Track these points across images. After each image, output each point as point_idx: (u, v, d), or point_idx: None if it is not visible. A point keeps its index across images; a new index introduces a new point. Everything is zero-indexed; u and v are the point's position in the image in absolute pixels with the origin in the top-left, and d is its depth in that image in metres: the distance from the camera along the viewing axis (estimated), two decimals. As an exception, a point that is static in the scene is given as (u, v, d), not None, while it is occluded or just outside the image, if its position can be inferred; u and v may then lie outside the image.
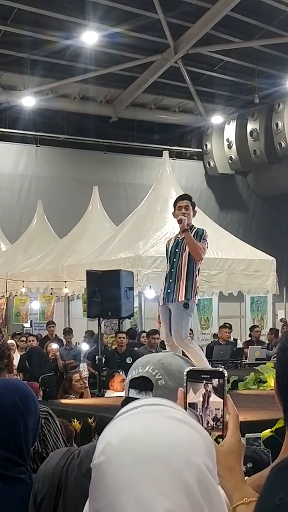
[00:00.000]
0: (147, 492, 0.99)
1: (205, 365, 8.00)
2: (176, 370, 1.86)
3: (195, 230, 7.66)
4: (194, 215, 7.75)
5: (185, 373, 1.51)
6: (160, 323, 8.10)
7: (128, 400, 1.81)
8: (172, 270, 7.84)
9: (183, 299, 7.66)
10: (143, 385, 1.88)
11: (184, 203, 7.71)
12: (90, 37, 16.37)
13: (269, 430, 5.57)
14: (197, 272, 7.74)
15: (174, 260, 7.86)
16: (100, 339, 11.54)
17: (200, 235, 7.63)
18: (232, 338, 15.43)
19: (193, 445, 1.04)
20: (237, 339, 15.62)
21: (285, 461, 0.67)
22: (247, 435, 5.35)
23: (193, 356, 7.75)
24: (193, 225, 7.70)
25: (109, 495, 1.02)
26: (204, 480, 1.01)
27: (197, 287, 7.78)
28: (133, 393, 1.91)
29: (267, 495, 0.65)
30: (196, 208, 15.28)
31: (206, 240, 7.62)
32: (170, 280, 7.80)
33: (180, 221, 7.57)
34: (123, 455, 1.04)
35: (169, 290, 7.76)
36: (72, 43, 16.91)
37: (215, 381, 1.49)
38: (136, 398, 1.86)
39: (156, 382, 1.86)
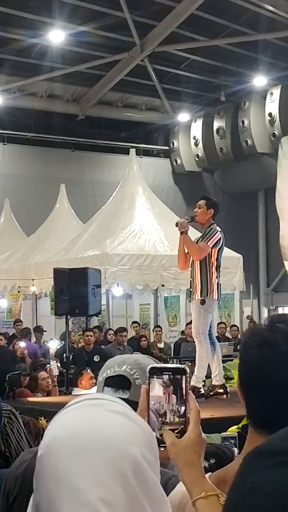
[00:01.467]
0: (83, 482, 1.02)
1: (202, 365, 8.17)
2: None
3: (208, 229, 8.10)
4: (211, 214, 8.18)
5: (147, 369, 1.55)
6: None
7: None
8: (191, 269, 8.20)
9: (199, 297, 7.94)
10: (120, 383, 1.91)
11: (199, 202, 8.27)
12: (56, 35, 16.33)
13: (236, 426, 5.64)
14: (213, 269, 8.03)
15: (192, 259, 8.23)
16: (68, 337, 11.54)
17: (206, 234, 8.04)
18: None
19: (131, 437, 1.07)
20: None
21: (258, 448, 0.71)
22: (223, 434, 5.42)
23: (199, 354, 7.99)
24: (211, 224, 8.16)
25: (48, 486, 1.05)
26: (141, 470, 1.04)
27: (216, 284, 8.06)
28: (109, 391, 1.94)
29: (240, 481, 0.69)
30: (162, 206, 15.50)
31: (210, 239, 7.98)
32: (191, 279, 8.20)
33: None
34: (63, 447, 1.06)
35: (191, 289, 8.19)
36: (39, 41, 16.85)
37: (177, 378, 1.53)
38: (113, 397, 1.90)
39: (134, 381, 1.89)
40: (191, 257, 8.25)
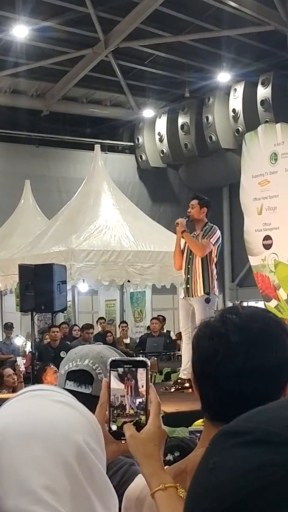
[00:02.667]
0: (25, 470, 1.02)
1: None
2: None
3: (205, 227, 8.36)
4: (204, 213, 8.45)
5: (108, 362, 1.56)
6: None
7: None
8: (189, 266, 8.42)
9: (202, 293, 8.19)
10: (83, 378, 1.92)
11: (192, 202, 8.52)
12: (20, 31, 16.23)
13: (201, 420, 5.70)
14: (213, 266, 8.37)
15: (190, 256, 8.47)
16: (33, 333, 11.51)
17: (207, 232, 8.33)
18: (165, 330, 15.58)
19: (74, 425, 1.07)
20: (170, 331, 15.77)
21: (222, 429, 0.73)
22: (190, 428, 5.45)
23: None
24: (206, 222, 8.44)
25: None
26: (84, 457, 1.05)
27: (216, 279, 8.41)
28: (71, 385, 1.94)
29: (203, 461, 0.71)
30: (128, 202, 15.57)
31: (212, 237, 8.28)
32: (188, 276, 8.41)
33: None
34: (7, 437, 1.07)
35: (188, 285, 8.37)
36: (2, 36, 16.73)
37: (138, 370, 1.55)
38: (76, 391, 1.90)
39: (97, 376, 1.90)
40: (185, 256, 8.43)
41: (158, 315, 16.18)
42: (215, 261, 8.41)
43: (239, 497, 0.65)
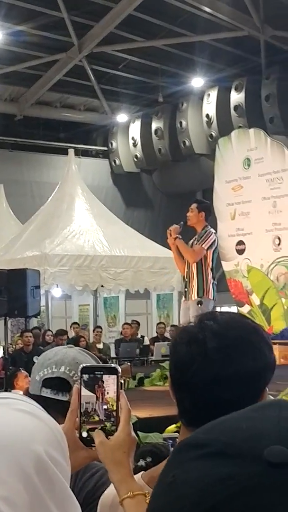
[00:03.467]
0: None
1: None
2: None
3: (202, 231, 8.47)
4: (203, 217, 8.54)
5: (79, 369, 1.56)
6: None
7: (42, 399, 1.82)
8: (187, 270, 8.52)
9: (196, 297, 8.24)
10: (60, 386, 1.91)
11: (192, 206, 8.66)
12: (-7, 34, 16.17)
13: (174, 425, 5.68)
14: (209, 270, 8.42)
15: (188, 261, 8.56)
16: (6, 338, 11.43)
17: (201, 237, 8.42)
18: (140, 335, 15.57)
19: (35, 435, 1.06)
20: (144, 336, 15.77)
21: (182, 442, 0.72)
22: (164, 434, 5.45)
23: None
24: (205, 226, 8.54)
25: None
26: (45, 469, 1.03)
27: (212, 284, 8.46)
28: (48, 392, 1.93)
29: (164, 474, 0.70)
30: (101, 207, 15.55)
31: (204, 242, 8.35)
32: (186, 280, 8.53)
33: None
34: None
35: (186, 289, 8.52)
36: (-25, 40, 16.67)
37: (109, 377, 1.54)
38: (53, 398, 1.89)
39: (74, 383, 1.87)
40: (185, 260, 8.53)
41: (133, 320, 16.17)
42: (210, 266, 8.47)
43: (198, 511, 0.64)
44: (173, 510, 0.66)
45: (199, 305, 8.35)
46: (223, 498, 0.63)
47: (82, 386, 1.54)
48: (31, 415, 1.09)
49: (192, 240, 8.70)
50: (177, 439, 4.94)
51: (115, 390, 1.53)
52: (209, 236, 8.45)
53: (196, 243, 8.49)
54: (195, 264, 8.45)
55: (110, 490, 1.71)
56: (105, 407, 1.54)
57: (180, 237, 8.47)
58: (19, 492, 1.00)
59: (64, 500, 1.07)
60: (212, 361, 1.44)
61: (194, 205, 8.64)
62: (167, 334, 15.35)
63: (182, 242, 8.49)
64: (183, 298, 8.86)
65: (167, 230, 8.69)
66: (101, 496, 1.73)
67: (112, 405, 1.53)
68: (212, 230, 8.66)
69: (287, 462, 0.63)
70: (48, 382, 1.93)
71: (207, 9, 15.61)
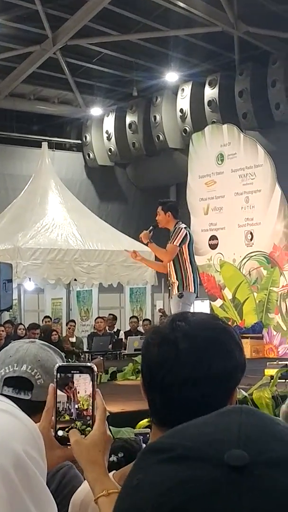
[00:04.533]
0: None
1: None
2: (51, 367, 1.87)
3: (173, 229, 8.54)
4: (170, 216, 8.61)
5: (55, 368, 1.58)
6: None
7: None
8: (168, 269, 8.66)
9: (177, 292, 8.35)
10: (22, 384, 1.89)
11: (158, 209, 8.73)
12: None
13: (146, 420, 5.71)
14: (187, 264, 8.53)
15: None
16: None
17: (172, 235, 8.54)
18: (116, 329, 15.58)
19: (13, 433, 1.08)
20: (120, 330, 15.79)
21: (148, 446, 0.74)
22: (135, 430, 5.47)
23: None
24: (176, 223, 8.61)
25: None
26: (23, 466, 1.05)
27: (192, 277, 8.56)
28: (10, 391, 1.92)
29: (129, 478, 0.73)
30: (75, 200, 15.57)
31: (175, 239, 8.45)
32: (169, 278, 8.68)
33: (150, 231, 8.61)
34: None
35: (169, 287, 8.69)
36: None
37: (80, 376, 1.56)
38: (15, 397, 1.89)
39: (36, 382, 1.89)
40: None
41: (109, 314, 16.19)
42: (188, 259, 8.57)
43: None
44: None
45: (180, 298, 8.46)
46: (183, 501, 0.65)
47: (57, 385, 1.56)
48: (9, 414, 1.11)
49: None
50: (148, 435, 4.97)
51: (86, 390, 1.55)
52: (179, 232, 8.52)
53: (169, 243, 8.60)
54: (171, 263, 8.56)
55: (80, 490, 1.73)
56: (76, 406, 1.55)
57: (151, 241, 8.59)
58: None
59: (41, 497, 1.09)
60: (183, 362, 1.46)
61: (159, 208, 8.72)
62: (140, 328, 15.39)
63: (153, 245, 8.68)
64: (168, 296, 9.01)
65: (141, 226, 8.83)
66: (73, 495, 1.75)
67: (83, 405, 1.55)
68: (183, 225, 8.72)
69: (246, 466, 0.65)
70: (9, 381, 1.90)
71: (182, 4, 15.62)
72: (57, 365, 1.58)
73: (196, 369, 1.46)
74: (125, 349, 13.36)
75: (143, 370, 1.55)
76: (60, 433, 1.55)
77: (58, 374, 1.56)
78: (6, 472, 1.03)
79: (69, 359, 11.61)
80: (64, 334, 15.46)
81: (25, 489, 1.05)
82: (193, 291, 8.61)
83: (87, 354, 13.52)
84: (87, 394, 1.55)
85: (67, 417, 1.55)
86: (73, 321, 16.08)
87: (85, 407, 1.55)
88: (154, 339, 1.53)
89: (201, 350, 1.48)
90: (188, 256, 8.61)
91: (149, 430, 4.95)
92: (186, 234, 8.56)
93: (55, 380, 1.56)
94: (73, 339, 15.17)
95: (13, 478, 1.03)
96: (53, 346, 2.04)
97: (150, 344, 1.54)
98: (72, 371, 1.56)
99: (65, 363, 1.65)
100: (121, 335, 15.23)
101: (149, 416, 1.58)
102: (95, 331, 14.56)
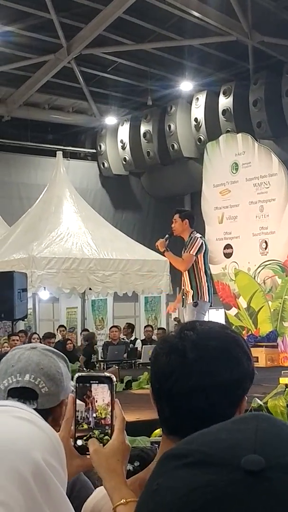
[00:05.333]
0: None
1: None
2: (55, 373, 1.89)
3: (188, 238, 8.59)
4: (187, 225, 8.66)
5: (75, 378, 1.59)
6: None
7: None
8: (183, 278, 8.76)
9: (192, 301, 8.54)
10: (27, 395, 1.85)
11: (174, 217, 8.76)
12: (-19, 35, 16.15)
13: (161, 429, 5.71)
14: (202, 274, 8.61)
15: None
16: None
17: (187, 244, 8.58)
18: (134, 337, 15.59)
19: (34, 442, 1.08)
20: (137, 339, 15.80)
21: (166, 452, 0.76)
22: (151, 438, 5.46)
23: None
24: (191, 232, 8.67)
25: None
26: (42, 475, 1.05)
27: (207, 287, 8.65)
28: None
29: (149, 483, 0.74)
30: (90, 209, 15.61)
31: (192, 248, 8.50)
32: (183, 287, 8.75)
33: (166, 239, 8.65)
34: None
35: (183, 297, 8.73)
36: None
37: (98, 386, 1.57)
38: None
39: (40, 391, 1.86)
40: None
41: (126, 323, 16.20)
42: (203, 269, 8.62)
43: None
44: None
45: (195, 307, 8.52)
46: (201, 505, 0.66)
47: (76, 395, 1.56)
48: (30, 423, 1.11)
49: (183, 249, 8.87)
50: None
51: (110, 399, 1.57)
52: (196, 241, 8.57)
53: (185, 251, 8.63)
54: (186, 272, 8.62)
55: (93, 496, 1.73)
56: (94, 415, 1.56)
57: (168, 249, 8.63)
58: (16, 497, 1.02)
59: (59, 504, 1.09)
60: (191, 372, 1.47)
61: (176, 216, 8.78)
62: (154, 337, 15.37)
63: (170, 254, 8.71)
64: (182, 305, 9.02)
65: (155, 234, 8.86)
66: (85, 502, 1.75)
67: (101, 413, 1.56)
68: (198, 235, 8.79)
69: (262, 470, 0.67)
70: (13, 392, 1.86)
71: (196, 14, 15.66)
72: (77, 375, 1.59)
73: (204, 378, 1.46)
74: (140, 358, 13.34)
75: (152, 379, 1.56)
76: (79, 442, 1.56)
77: (77, 383, 1.57)
78: (26, 480, 1.03)
79: (84, 369, 11.61)
80: (79, 344, 15.46)
81: (43, 498, 1.05)
82: (207, 301, 8.67)
83: (102, 363, 13.51)
84: (105, 403, 1.56)
85: (85, 426, 1.56)
86: (87, 330, 16.09)
87: (103, 416, 1.56)
88: (163, 348, 1.54)
89: (209, 359, 1.49)
90: (203, 265, 8.67)
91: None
92: (202, 243, 8.63)
93: (74, 390, 1.57)
94: (88, 348, 15.15)
95: (32, 487, 1.04)
96: (55, 350, 2.01)
97: (159, 353, 1.55)
98: (91, 381, 1.57)
99: (84, 374, 1.66)
100: (137, 343, 15.24)
101: (160, 423, 1.57)
102: (110, 340, 14.55)
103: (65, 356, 2.02)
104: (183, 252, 8.75)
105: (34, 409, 1.89)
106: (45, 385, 1.87)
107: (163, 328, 16.19)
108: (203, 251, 8.65)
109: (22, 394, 1.86)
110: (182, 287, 8.80)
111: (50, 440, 1.12)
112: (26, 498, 1.03)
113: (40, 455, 1.07)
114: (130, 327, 15.88)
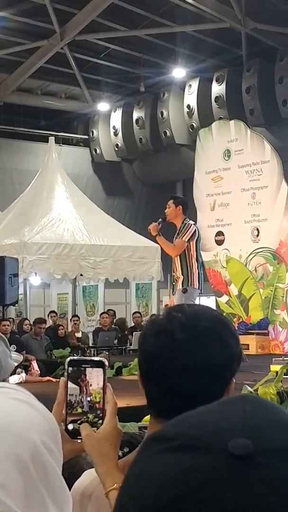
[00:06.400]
0: None
1: None
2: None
3: (181, 224, 8.57)
4: (180, 211, 8.66)
5: (66, 361, 1.59)
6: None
7: None
8: (172, 264, 8.78)
9: (181, 287, 8.55)
10: None
11: (168, 202, 8.76)
12: (-26, 19, 16.04)
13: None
14: (193, 261, 8.59)
15: None
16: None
17: (180, 230, 8.57)
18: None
19: (31, 424, 1.08)
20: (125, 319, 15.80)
21: (151, 435, 0.74)
22: (139, 423, 5.47)
23: None
24: (184, 219, 8.64)
25: None
26: (40, 456, 1.06)
27: (197, 274, 8.63)
28: None
29: (132, 466, 0.72)
30: (82, 195, 15.58)
31: (184, 234, 8.50)
32: (173, 274, 8.75)
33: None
34: None
35: (173, 283, 8.75)
36: None
37: (93, 370, 1.57)
38: None
39: None
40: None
41: (108, 310, 16.21)
42: (195, 256, 8.62)
43: (162, 503, 0.65)
44: (138, 502, 0.67)
45: (184, 293, 8.53)
46: (185, 490, 0.64)
47: (68, 379, 1.56)
48: (27, 404, 1.12)
49: (175, 236, 8.84)
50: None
51: (101, 383, 1.57)
52: (189, 228, 8.57)
53: (177, 237, 8.62)
54: (177, 258, 8.62)
55: (81, 480, 1.73)
56: (88, 399, 1.56)
57: (160, 234, 8.60)
58: (15, 479, 1.03)
59: (56, 487, 1.10)
60: (180, 352, 1.47)
61: (170, 201, 8.78)
62: (144, 323, 15.39)
63: (162, 239, 8.69)
64: (171, 292, 9.03)
65: (147, 221, 8.83)
66: (73, 485, 1.75)
67: (95, 397, 1.57)
68: (191, 222, 8.80)
69: (250, 455, 0.65)
70: None
71: (190, 0, 15.59)
72: (68, 359, 1.59)
73: (193, 359, 1.46)
74: (130, 345, 13.37)
75: (140, 361, 1.56)
76: (70, 426, 1.56)
77: (70, 367, 1.57)
78: (24, 462, 1.04)
79: (75, 354, 11.63)
80: (69, 330, 15.47)
81: (41, 480, 1.06)
82: (197, 288, 8.68)
83: (92, 349, 13.53)
84: (99, 387, 1.56)
85: (79, 410, 1.56)
86: (77, 316, 16.08)
87: (98, 400, 1.56)
88: (151, 329, 1.54)
89: (197, 339, 1.49)
90: (195, 252, 8.67)
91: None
92: (195, 230, 8.64)
93: (65, 373, 1.57)
94: (79, 334, 15.18)
95: (30, 469, 1.04)
96: (2, 337, 1.98)
97: (147, 335, 1.54)
98: (83, 365, 1.57)
99: (76, 357, 1.66)
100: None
101: (147, 407, 1.57)
102: (100, 326, 14.56)
103: (4, 337, 1.99)
104: (174, 238, 8.75)
105: None
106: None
107: (156, 315, 16.22)
108: (196, 238, 8.66)
109: None
110: (173, 273, 8.78)
111: (47, 422, 1.13)
112: (25, 480, 1.04)
113: (38, 437, 1.08)
114: (113, 314, 15.93)
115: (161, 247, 9.15)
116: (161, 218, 8.75)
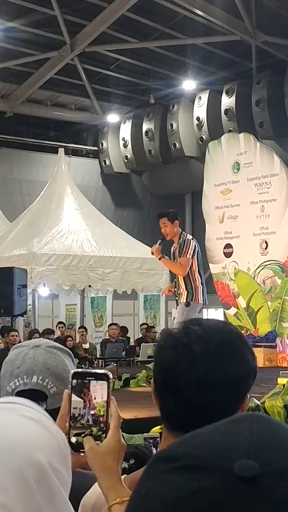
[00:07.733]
0: None
1: None
2: (62, 371, 1.84)
3: (179, 240, 8.48)
4: (177, 225, 8.54)
5: (70, 374, 1.57)
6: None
7: None
8: (176, 279, 8.73)
9: (184, 301, 8.50)
10: (36, 396, 1.79)
11: (162, 222, 8.54)
12: (-15, 31, 16.12)
13: (159, 427, 5.70)
14: (196, 275, 8.54)
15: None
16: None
17: (182, 248, 8.47)
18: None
19: (39, 444, 1.06)
20: (129, 337, 15.78)
21: (158, 453, 0.73)
22: (145, 434, 5.45)
23: None
24: (181, 233, 8.58)
25: None
26: (46, 478, 1.04)
27: (201, 288, 8.57)
28: None
29: (138, 486, 0.72)
30: (91, 207, 15.60)
31: (187, 252, 8.41)
32: (176, 288, 8.69)
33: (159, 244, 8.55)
34: None
35: (176, 297, 8.66)
36: None
37: (97, 383, 1.55)
38: None
39: (49, 391, 1.82)
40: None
41: (147, 325, 16.15)
42: (197, 270, 8.55)
43: None
44: None
45: (187, 306, 8.48)
46: None
47: (72, 391, 1.55)
48: (37, 423, 1.10)
49: (173, 250, 8.72)
50: (157, 439, 4.95)
51: (106, 396, 1.55)
52: (189, 244, 8.49)
53: (180, 255, 8.53)
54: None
55: (91, 493, 1.72)
56: (92, 412, 1.55)
57: (164, 255, 8.55)
58: (17, 501, 1.01)
59: (61, 510, 1.08)
60: (197, 365, 1.46)
61: (164, 219, 8.55)
62: (151, 335, 15.35)
63: (167, 260, 8.63)
64: (176, 305, 8.99)
65: (156, 233, 8.79)
66: (83, 498, 1.74)
67: (99, 410, 1.55)
68: (190, 236, 8.68)
69: (255, 477, 0.65)
70: (21, 395, 1.78)
71: (200, 13, 15.64)
72: (72, 371, 1.57)
73: (209, 373, 1.46)
74: (138, 356, 13.34)
75: (155, 373, 1.55)
76: (73, 439, 1.54)
77: (74, 380, 1.56)
78: (29, 485, 1.02)
79: (82, 366, 11.62)
80: (77, 341, 15.47)
81: (45, 502, 1.04)
82: (200, 302, 8.63)
83: (100, 361, 13.51)
84: (103, 400, 1.55)
85: (83, 423, 1.55)
86: (84, 327, 16.07)
87: (101, 413, 1.55)
88: (167, 342, 1.54)
89: (214, 353, 1.48)
90: (197, 267, 8.61)
91: (158, 434, 4.94)
92: (195, 245, 8.57)
93: (70, 386, 1.55)
94: (87, 346, 15.17)
95: (34, 491, 1.02)
96: (59, 345, 1.95)
97: (163, 347, 1.54)
98: (87, 378, 1.56)
99: (80, 370, 1.64)
100: (132, 342, 15.22)
101: (162, 421, 1.57)
102: (108, 337, 14.54)
103: (69, 351, 1.96)
104: (172, 252, 8.68)
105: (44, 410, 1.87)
106: (53, 385, 1.83)
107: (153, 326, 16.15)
108: (197, 252, 8.61)
109: (31, 396, 1.80)
110: (175, 289, 8.75)
111: (56, 442, 1.11)
112: (29, 503, 1.02)
113: (45, 458, 1.06)
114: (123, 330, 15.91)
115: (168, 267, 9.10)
116: (160, 238, 8.66)
